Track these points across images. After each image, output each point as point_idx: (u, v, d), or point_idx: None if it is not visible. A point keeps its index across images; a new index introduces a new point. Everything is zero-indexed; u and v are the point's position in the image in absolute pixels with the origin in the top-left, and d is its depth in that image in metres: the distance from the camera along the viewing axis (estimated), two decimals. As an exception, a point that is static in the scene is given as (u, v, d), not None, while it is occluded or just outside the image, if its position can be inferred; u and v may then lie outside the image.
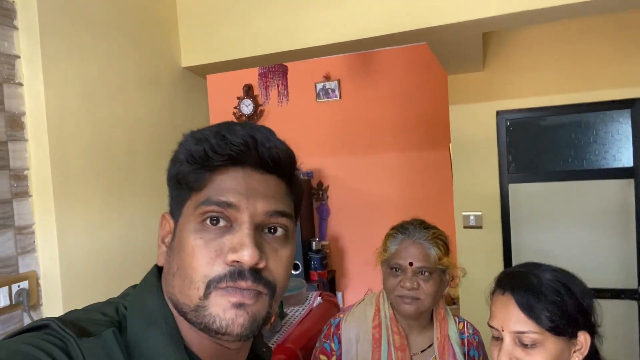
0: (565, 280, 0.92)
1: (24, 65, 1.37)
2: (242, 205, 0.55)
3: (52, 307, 1.39)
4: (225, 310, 0.53)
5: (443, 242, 1.24)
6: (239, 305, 0.53)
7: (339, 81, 4.45)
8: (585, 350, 0.90)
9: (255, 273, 0.53)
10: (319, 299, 1.77)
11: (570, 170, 2.64)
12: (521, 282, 0.92)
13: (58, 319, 0.52)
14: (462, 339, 1.29)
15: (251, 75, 4.44)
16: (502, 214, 2.68)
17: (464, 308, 2.76)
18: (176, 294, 0.56)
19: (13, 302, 1.30)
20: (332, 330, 1.32)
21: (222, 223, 0.55)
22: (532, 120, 2.68)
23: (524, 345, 0.88)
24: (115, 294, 1.70)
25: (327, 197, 4.57)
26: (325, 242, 4.47)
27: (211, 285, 0.53)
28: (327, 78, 4.49)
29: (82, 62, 1.50)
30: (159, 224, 0.64)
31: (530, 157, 2.71)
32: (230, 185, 0.55)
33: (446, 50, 2.11)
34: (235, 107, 4.83)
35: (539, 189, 2.69)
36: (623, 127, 2.55)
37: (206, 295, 0.53)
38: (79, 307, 1.47)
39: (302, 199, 0.67)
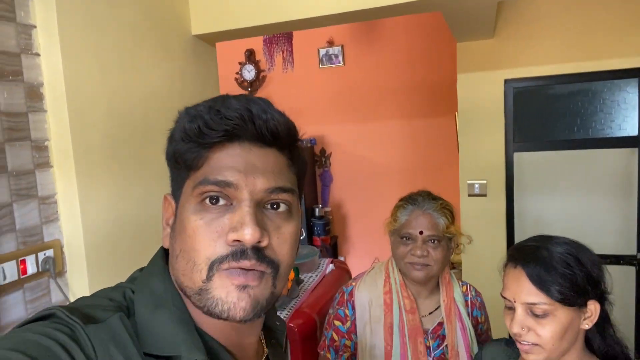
0: (575, 253, 0.95)
1: (40, 35, 1.36)
2: (241, 183, 0.53)
3: (77, 273, 1.43)
4: (228, 293, 0.52)
5: (450, 212, 1.30)
6: (242, 288, 0.52)
7: (342, 47, 4.40)
8: (594, 318, 0.94)
9: (258, 252, 0.52)
10: (331, 265, 1.83)
11: (576, 139, 2.67)
12: (532, 255, 0.95)
13: (64, 307, 0.52)
14: (466, 301, 1.37)
15: (253, 40, 4.37)
16: (507, 182, 2.72)
17: (467, 273, 2.84)
18: (180, 277, 0.55)
19: (40, 270, 1.35)
20: (345, 297, 1.39)
21: (222, 202, 0.54)
22: (539, 88, 2.68)
23: (535, 315, 0.92)
24: (137, 259, 1.74)
25: (330, 164, 4.60)
26: (328, 209, 4.52)
27: (214, 266, 0.52)
28: (331, 43, 4.42)
29: (97, 31, 1.49)
30: (162, 205, 0.64)
31: (536, 126, 2.72)
32: (228, 162, 0.54)
33: (459, 18, 2.09)
34: (237, 73, 4.77)
35: (544, 157, 2.72)
36: (630, 96, 2.56)
37: (209, 277, 0.52)
38: (103, 273, 1.52)
39: (306, 171, 0.66)
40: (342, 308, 1.38)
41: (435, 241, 1.27)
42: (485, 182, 2.72)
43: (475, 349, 1.31)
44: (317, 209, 4.35)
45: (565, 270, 0.92)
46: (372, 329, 1.31)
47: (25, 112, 1.33)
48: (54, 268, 1.37)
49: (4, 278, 1.25)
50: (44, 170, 1.38)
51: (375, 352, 1.29)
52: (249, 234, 0.51)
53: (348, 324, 1.36)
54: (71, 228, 1.42)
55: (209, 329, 0.57)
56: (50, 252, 1.38)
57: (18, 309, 1.29)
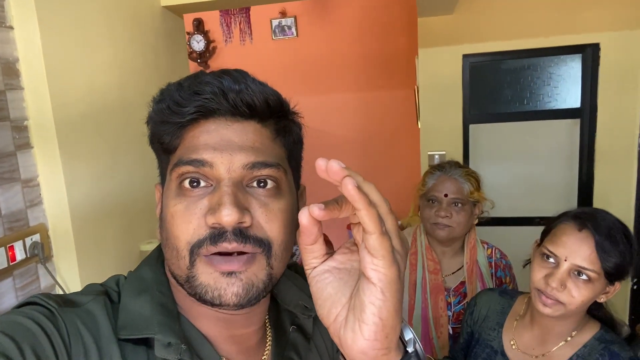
0: (628, 233, 0.98)
1: (12, 7, 1.27)
2: (217, 161, 0.49)
3: (64, 257, 1.39)
4: (216, 280, 0.49)
5: (475, 179, 1.40)
6: (229, 274, 0.49)
7: (295, 18, 4.34)
8: (611, 296, 1.01)
9: (240, 232, 0.48)
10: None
11: (525, 112, 2.85)
12: (602, 224, 0.96)
13: (43, 294, 0.52)
14: (490, 262, 1.47)
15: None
16: (464, 152, 2.88)
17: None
18: (170, 265, 0.53)
19: (28, 255, 1.29)
20: None
21: (202, 184, 0.50)
22: (493, 63, 2.82)
23: (577, 278, 0.96)
24: (125, 240, 1.72)
25: (285, 137, 4.59)
26: (284, 182, 4.54)
27: (194, 251, 0.49)
28: (283, 14, 4.35)
29: (73, 4, 1.40)
30: (155, 196, 0.61)
31: (489, 99, 2.88)
32: (202, 140, 0.50)
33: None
34: (186, 44, 4.59)
35: (496, 128, 2.89)
36: (573, 70, 2.76)
37: (192, 263, 0.49)
38: (91, 256, 1.50)
39: (300, 143, 0.61)
40: None
41: (459, 204, 1.37)
42: (444, 152, 2.86)
43: None
44: (274, 182, 4.36)
45: (624, 247, 0.95)
46: None
47: (3, 90, 1.24)
48: (43, 253, 1.32)
49: (-6, 266, 1.20)
50: (25, 151, 1.31)
51: None
52: (226, 215, 0.47)
53: None
54: (56, 211, 1.37)
55: (196, 319, 0.56)
56: (36, 237, 1.32)
57: (9, 296, 1.24)
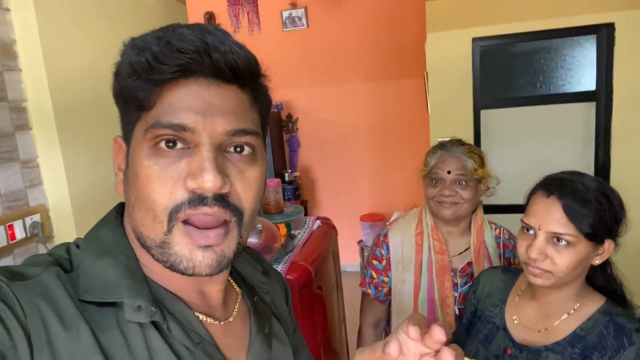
0: (607, 191, 0.95)
1: (8, -12, 1.28)
2: (199, 126, 0.48)
3: (65, 238, 1.40)
4: (192, 251, 0.49)
5: (478, 156, 1.36)
6: (205, 247, 0.49)
7: (305, 9, 4.32)
8: (606, 256, 0.98)
9: (221, 198, 0.49)
10: (317, 222, 1.87)
11: (538, 96, 2.78)
12: (569, 187, 0.94)
13: None
14: (498, 243, 1.43)
15: (213, 3, 4.24)
16: (474, 138, 2.82)
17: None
18: (139, 227, 0.51)
19: (28, 235, 1.31)
20: (381, 239, 1.48)
21: (179, 145, 0.49)
22: (504, 46, 2.76)
23: (556, 245, 0.94)
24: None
25: (297, 128, 4.59)
26: (297, 174, 4.54)
27: (172, 217, 0.48)
28: (294, 5, 4.34)
29: (69, -15, 1.41)
30: (112, 149, 0.57)
31: (501, 83, 2.82)
32: (183, 102, 0.48)
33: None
34: (198, 37, 4.62)
35: (508, 113, 2.83)
36: (588, 52, 2.68)
37: (170, 229, 0.49)
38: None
39: (270, 109, 0.61)
40: (378, 249, 1.47)
41: (463, 182, 1.33)
42: (454, 138, 2.80)
43: None
44: (286, 174, 4.36)
45: (598, 206, 0.92)
46: (404, 265, 1.41)
47: (0, 72, 1.26)
48: (43, 233, 1.34)
49: (-7, 244, 1.21)
50: (24, 132, 1.33)
51: (406, 286, 1.40)
52: (209, 182, 0.47)
53: (384, 262, 1.45)
54: (56, 192, 1.38)
55: (161, 279, 0.54)
56: (37, 217, 1.34)
57: (9, 275, 1.26)
